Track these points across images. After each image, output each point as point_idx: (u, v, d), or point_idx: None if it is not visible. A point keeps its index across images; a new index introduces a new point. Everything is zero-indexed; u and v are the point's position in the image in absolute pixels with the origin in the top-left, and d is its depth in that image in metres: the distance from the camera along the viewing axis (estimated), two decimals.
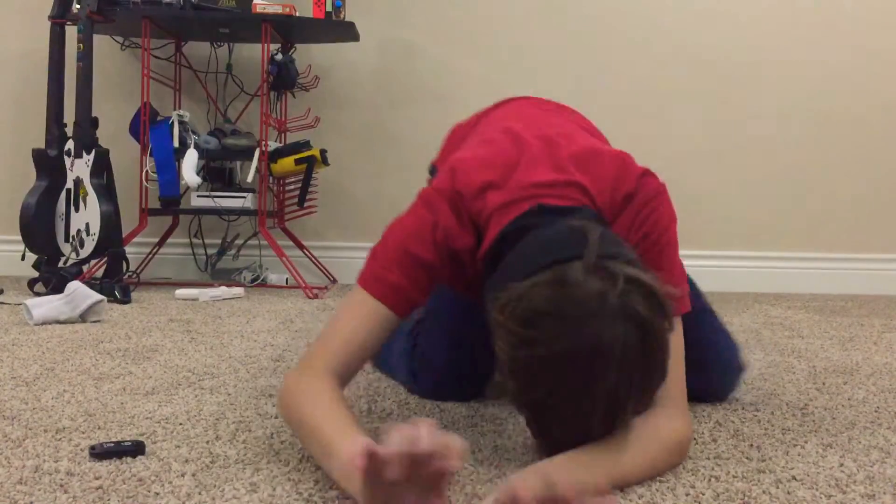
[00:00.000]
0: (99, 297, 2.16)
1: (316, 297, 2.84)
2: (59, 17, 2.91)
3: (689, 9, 3.43)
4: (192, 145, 2.95)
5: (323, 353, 1.07)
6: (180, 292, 2.74)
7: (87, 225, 2.76)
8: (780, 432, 1.19)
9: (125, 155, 3.21)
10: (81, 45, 2.77)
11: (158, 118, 3.04)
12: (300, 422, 0.99)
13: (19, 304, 2.42)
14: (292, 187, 3.17)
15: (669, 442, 1.02)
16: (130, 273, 2.91)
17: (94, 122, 2.82)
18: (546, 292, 0.91)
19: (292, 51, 3.25)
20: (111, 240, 2.74)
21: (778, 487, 0.95)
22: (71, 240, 2.82)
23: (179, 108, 3.28)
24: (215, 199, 3.02)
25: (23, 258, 2.85)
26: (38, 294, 2.65)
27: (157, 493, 0.89)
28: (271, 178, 3.11)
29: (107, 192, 2.77)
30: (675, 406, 1.05)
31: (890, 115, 3.43)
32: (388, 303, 1.08)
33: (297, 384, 1.04)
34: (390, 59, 3.43)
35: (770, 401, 1.40)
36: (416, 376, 1.40)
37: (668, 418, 1.03)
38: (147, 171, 2.98)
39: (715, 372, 1.37)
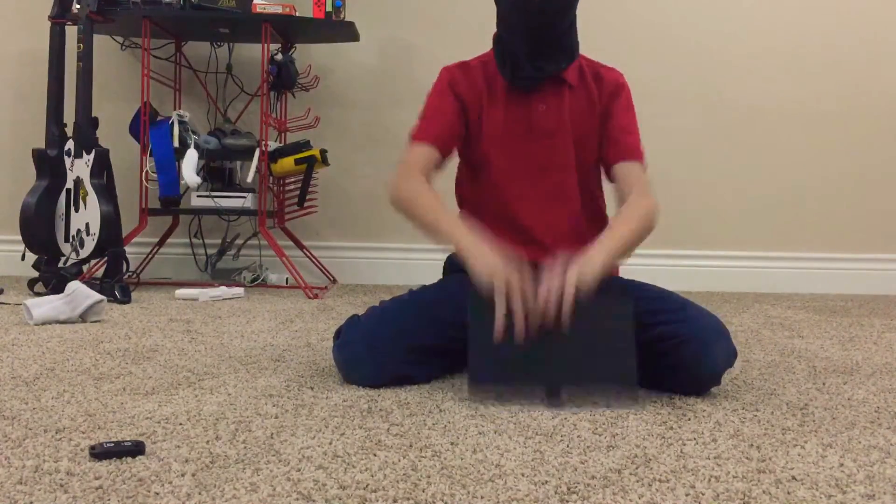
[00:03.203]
0: (99, 297, 2.16)
1: (316, 297, 2.84)
2: (59, 17, 2.91)
3: (687, 8, 3.43)
4: (192, 145, 2.95)
5: (406, 168, 1.55)
6: (180, 292, 2.74)
7: (87, 225, 2.76)
8: (780, 432, 1.19)
9: (125, 155, 3.21)
10: (81, 45, 2.77)
11: (158, 118, 3.04)
12: (411, 207, 1.50)
13: (19, 304, 2.42)
14: (292, 187, 3.17)
15: (642, 210, 1.50)
16: (130, 273, 2.91)
17: (94, 122, 2.82)
18: None
19: (292, 51, 3.25)
20: (111, 240, 2.74)
21: (778, 487, 0.95)
22: (71, 240, 2.82)
23: (179, 108, 3.28)
24: (215, 199, 3.02)
25: (23, 258, 2.85)
26: (38, 294, 2.66)
27: (157, 493, 0.89)
28: (271, 178, 3.11)
29: (107, 192, 2.77)
30: (640, 190, 1.54)
31: (890, 115, 3.43)
32: (424, 139, 1.57)
33: (402, 178, 1.53)
34: (390, 59, 3.43)
35: (770, 401, 1.40)
36: (340, 334, 1.52)
37: (638, 196, 1.53)
38: (147, 171, 2.98)
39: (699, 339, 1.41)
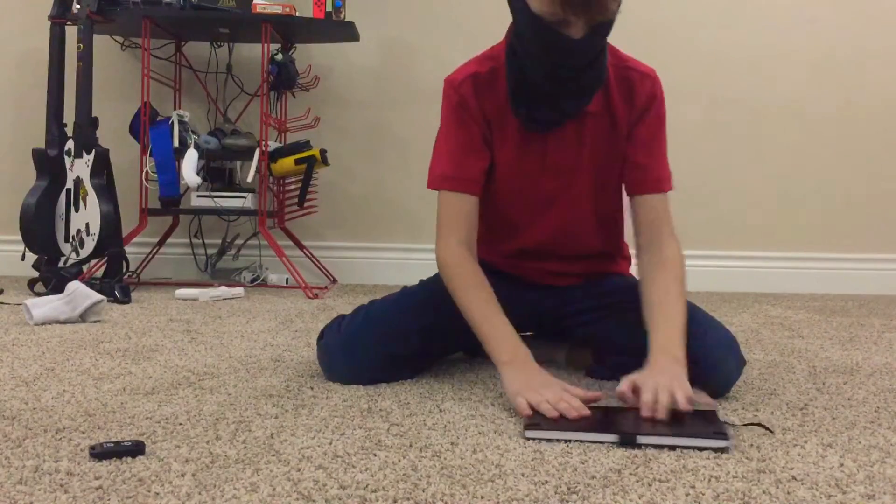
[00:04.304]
0: (99, 297, 2.16)
1: (316, 297, 2.84)
2: (59, 17, 2.91)
3: (688, 7, 3.43)
4: (192, 145, 2.95)
5: (450, 232, 1.43)
6: (180, 292, 2.74)
7: (87, 225, 2.76)
8: (780, 432, 1.19)
9: (125, 155, 3.21)
10: (81, 45, 2.77)
11: (158, 118, 3.04)
12: (463, 307, 1.38)
13: (19, 304, 2.42)
14: (292, 187, 3.17)
15: (676, 273, 1.38)
16: (130, 273, 2.91)
17: (94, 122, 2.82)
18: None
19: (292, 51, 3.25)
20: (111, 240, 2.74)
21: (778, 487, 0.95)
22: (71, 240, 2.82)
23: (179, 108, 3.28)
24: (215, 199, 3.02)
25: (23, 258, 2.85)
26: (38, 294, 2.66)
27: (157, 493, 0.89)
28: (271, 178, 3.11)
29: (107, 192, 2.77)
30: (663, 241, 1.42)
31: (890, 115, 3.43)
32: (461, 189, 1.44)
33: (450, 258, 1.42)
34: (390, 59, 3.43)
35: (770, 401, 1.40)
36: (324, 334, 1.53)
37: (664, 250, 1.41)
38: (147, 171, 2.98)
39: (712, 353, 1.38)
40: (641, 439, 1.08)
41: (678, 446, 1.07)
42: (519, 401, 1.21)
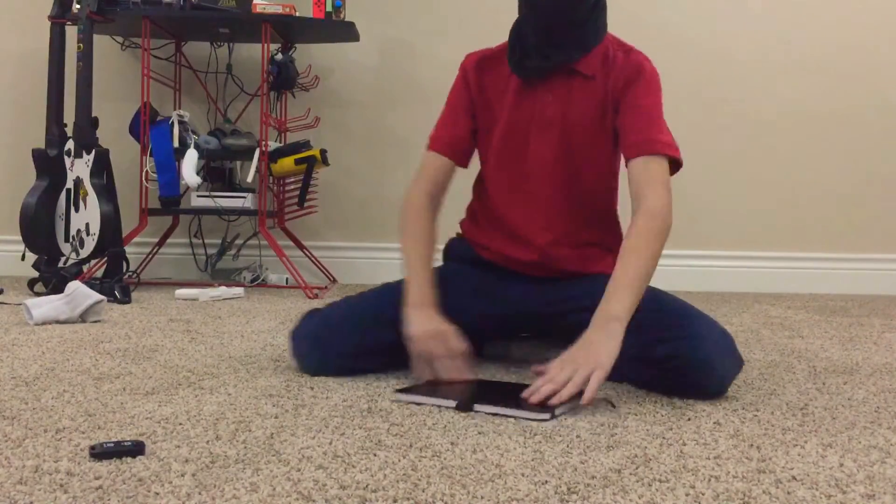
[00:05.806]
0: (99, 297, 2.16)
1: (316, 297, 2.84)
2: (59, 17, 2.91)
3: (688, 8, 3.43)
4: (192, 145, 2.95)
5: (419, 181, 1.60)
6: (180, 292, 2.74)
7: (87, 225, 2.76)
8: (780, 432, 1.19)
9: (125, 155, 3.22)
10: (81, 45, 2.77)
11: (158, 118, 3.04)
12: (402, 237, 1.57)
13: (19, 304, 2.42)
14: (292, 187, 3.17)
15: (647, 224, 1.40)
16: (130, 273, 2.91)
17: (94, 122, 2.83)
18: None
19: (292, 51, 3.25)
20: (111, 240, 2.74)
21: (778, 487, 0.95)
22: (71, 240, 2.82)
23: (179, 108, 3.28)
24: (215, 199, 3.02)
25: (23, 258, 2.85)
26: (38, 294, 2.66)
27: (157, 493, 0.89)
28: (271, 178, 3.11)
29: (107, 192, 2.77)
30: (647, 196, 1.42)
31: (890, 115, 3.43)
32: (436, 149, 1.61)
33: (411, 201, 1.59)
34: (390, 59, 3.43)
35: (770, 401, 1.40)
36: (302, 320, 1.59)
37: (641, 213, 1.41)
38: (147, 171, 2.98)
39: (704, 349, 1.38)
40: (477, 407, 1.27)
41: (507, 416, 1.24)
42: (416, 352, 1.43)
